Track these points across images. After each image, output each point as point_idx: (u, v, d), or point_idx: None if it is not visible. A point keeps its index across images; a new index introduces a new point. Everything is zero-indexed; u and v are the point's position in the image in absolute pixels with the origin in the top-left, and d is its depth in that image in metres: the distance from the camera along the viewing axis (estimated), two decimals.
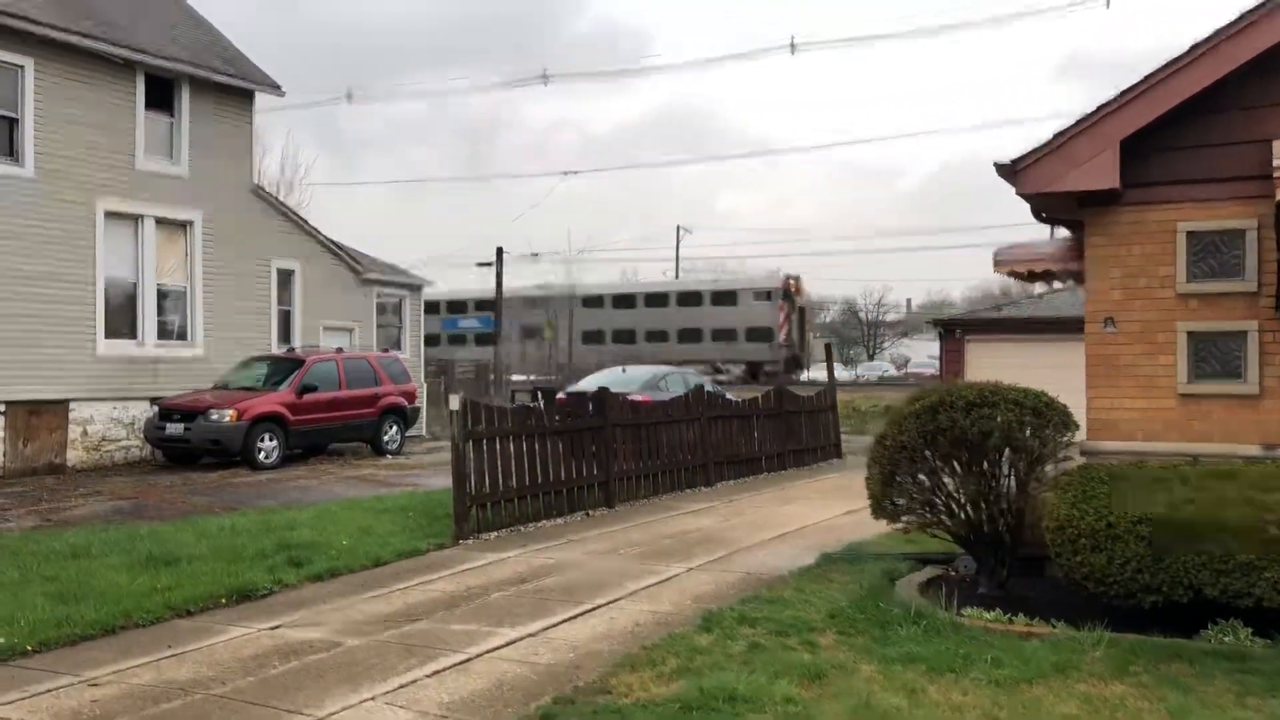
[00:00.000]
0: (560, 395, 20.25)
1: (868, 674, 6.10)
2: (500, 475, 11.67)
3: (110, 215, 19.05)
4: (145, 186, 19.64)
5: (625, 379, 20.32)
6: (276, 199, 24.25)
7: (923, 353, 73.60)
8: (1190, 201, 8.01)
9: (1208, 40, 7.61)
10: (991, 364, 20.85)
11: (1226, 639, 6.58)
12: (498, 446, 11.72)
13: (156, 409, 18.69)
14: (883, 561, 9.17)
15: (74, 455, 18.29)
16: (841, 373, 50.63)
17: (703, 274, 66.90)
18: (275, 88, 22.26)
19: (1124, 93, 7.83)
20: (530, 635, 7.16)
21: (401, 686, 6.07)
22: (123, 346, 19.30)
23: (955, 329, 25.57)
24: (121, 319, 19.41)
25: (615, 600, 8.20)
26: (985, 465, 7.92)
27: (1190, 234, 8.03)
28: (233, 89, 21.30)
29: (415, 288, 27.06)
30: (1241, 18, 7.49)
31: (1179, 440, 7.96)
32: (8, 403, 17.36)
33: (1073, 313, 22.65)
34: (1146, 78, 7.75)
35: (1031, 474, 7.94)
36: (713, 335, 49.08)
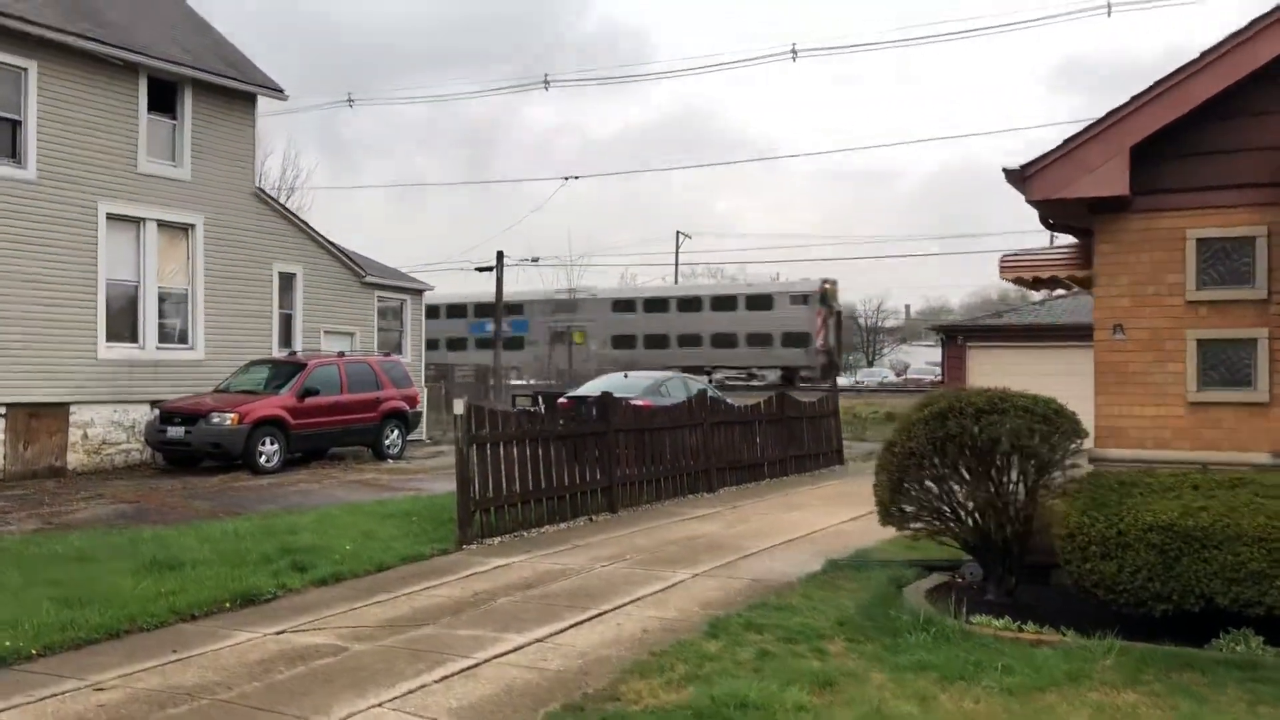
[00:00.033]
0: (561, 400, 20.23)
1: (879, 682, 6.07)
2: (504, 480, 11.64)
3: (112, 218, 19.01)
4: (147, 189, 19.61)
5: (627, 384, 20.27)
6: (278, 202, 24.22)
7: (921, 359, 73.72)
8: (1200, 208, 7.99)
9: (1219, 46, 7.59)
10: (993, 370, 20.80)
11: (1238, 648, 6.54)
12: (502, 451, 11.69)
13: (157, 412, 18.64)
14: (889, 568, 9.14)
15: (74, 458, 18.23)
16: (841, 379, 50.49)
17: (701, 279, 66.82)
18: (277, 91, 22.25)
19: (1134, 98, 7.81)
20: (538, 641, 7.13)
21: (409, 692, 6.04)
22: (124, 350, 19.25)
23: (957, 335, 25.53)
24: (123, 322, 19.37)
25: (622, 606, 8.16)
26: (994, 472, 7.89)
27: (1200, 241, 8.01)
28: (235, 92, 21.28)
29: (416, 291, 27.05)
30: (1252, 24, 7.48)
31: (1188, 448, 7.94)
32: (8, 405, 17.31)
33: (1074, 319, 22.65)
34: (1157, 83, 7.73)
35: (1040, 481, 7.91)
36: (748, 340, 48.46)
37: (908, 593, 8.21)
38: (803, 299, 47.37)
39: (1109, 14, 53.17)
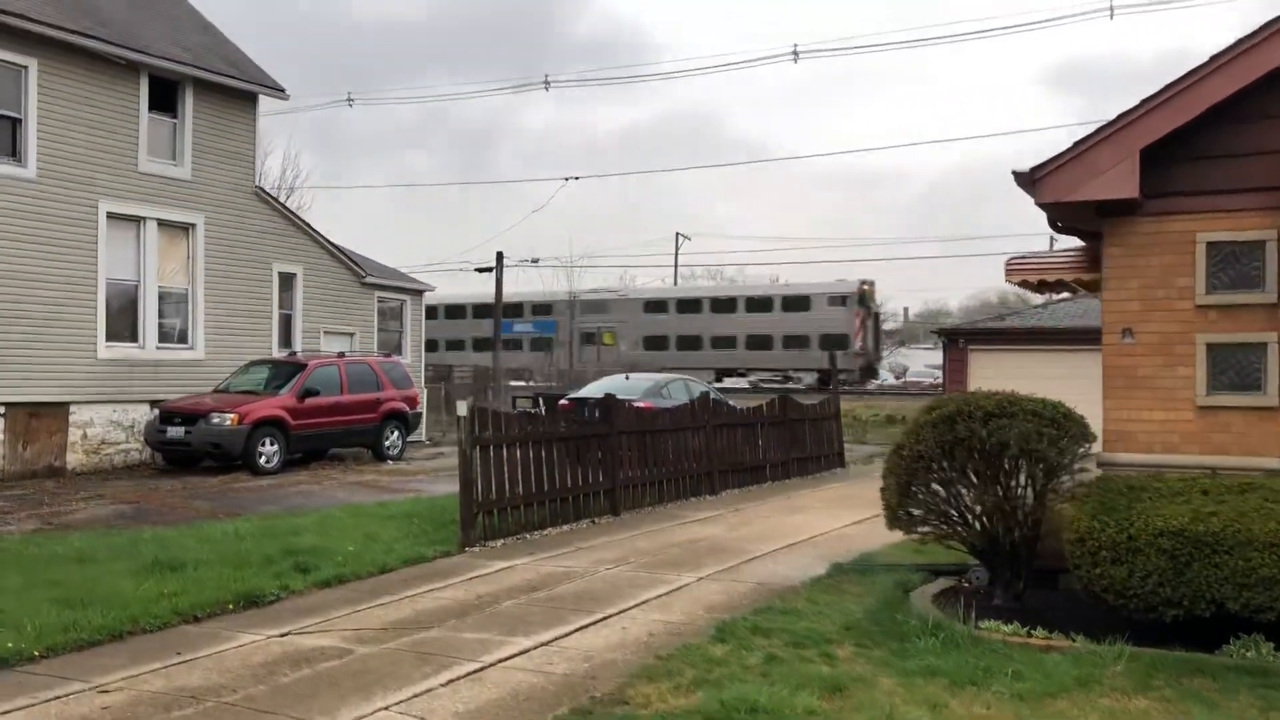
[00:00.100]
0: (562, 401, 20.21)
1: (888, 687, 6.03)
2: (507, 482, 11.59)
3: (112, 217, 18.95)
4: (148, 188, 19.54)
5: (628, 386, 20.25)
6: (279, 202, 24.16)
7: (920, 361, 73.62)
8: (1210, 212, 7.96)
9: (1230, 50, 7.57)
10: (995, 374, 20.75)
11: (1249, 653, 6.51)
12: (505, 453, 11.64)
13: (157, 412, 18.57)
14: (895, 572, 9.09)
15: (74, 458, 18.17)
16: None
17: (700, 280, 66.69)
18: (278, 90, 22.19)
19: (1144, 101, 7.78)
20: (544, 644, 7.08)
21: (415, 696, 5.99)
22: (124, 349, 19.19)
23: (958, 338, 25.53)
24: (122, 321, 19.30)
25: (627, 609, 8.11)
26: (1002, 476, 7.85)
27: (1210, 245, 7.99)
28: (236, 91, 21.22)
29: (416, 292, 27.01)
30: (1265, 27, 7.45)
31: (1197, 453, 7.91)
32: (8, 405, 17.24)
33: (1077, 323, 22.64)
34: (1168, 86, 7.71)
35: (1049, 485, 7.88)
36: (784, 342, 47.44)
37: (914, 597, 8.17)
38: (841, 300, 46.39)
39: (1111, 16, 53.14)
